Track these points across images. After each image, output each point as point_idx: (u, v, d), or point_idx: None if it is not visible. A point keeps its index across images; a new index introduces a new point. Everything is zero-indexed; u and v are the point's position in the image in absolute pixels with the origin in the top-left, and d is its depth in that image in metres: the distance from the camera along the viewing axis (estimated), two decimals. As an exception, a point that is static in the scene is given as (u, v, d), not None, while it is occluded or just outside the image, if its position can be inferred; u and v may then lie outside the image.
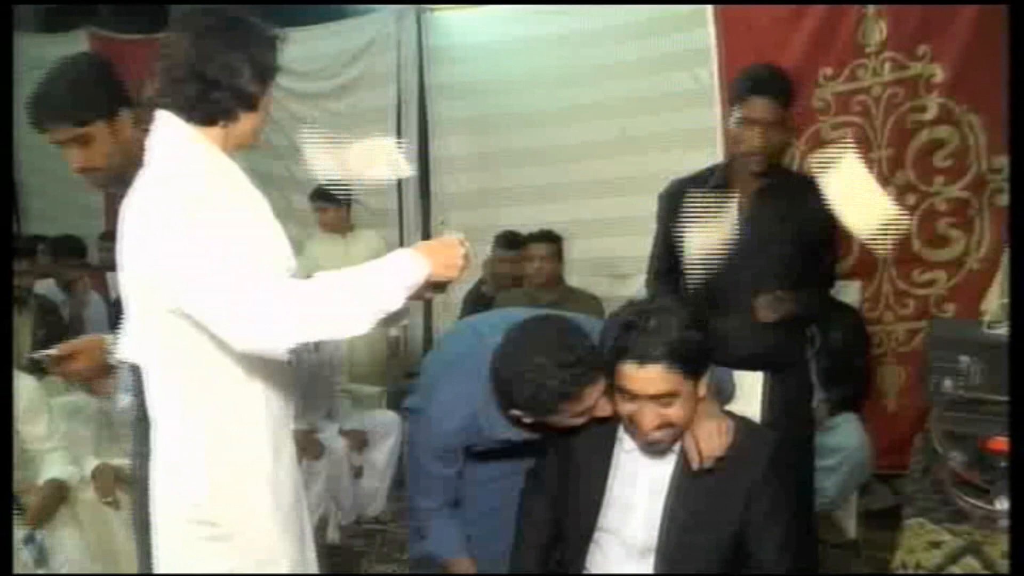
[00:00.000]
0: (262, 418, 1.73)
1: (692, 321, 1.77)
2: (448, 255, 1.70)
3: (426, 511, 2.23)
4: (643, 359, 1.74)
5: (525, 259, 4.30)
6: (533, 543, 2.05)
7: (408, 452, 2.33)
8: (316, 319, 1.55)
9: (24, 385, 2.87)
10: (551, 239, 4.27)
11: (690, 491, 1.85)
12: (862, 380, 3.92)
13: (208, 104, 1.68)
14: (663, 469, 1.88)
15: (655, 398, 1.76)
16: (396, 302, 1.62)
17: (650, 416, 1.77)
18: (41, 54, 6.27)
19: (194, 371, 1.68)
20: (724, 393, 2.09)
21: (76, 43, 6.22)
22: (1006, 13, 3.01)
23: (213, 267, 1.53)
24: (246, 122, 1.73)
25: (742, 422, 1.92)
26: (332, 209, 4.71)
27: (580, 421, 1.93)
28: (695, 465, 1.84)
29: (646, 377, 1.75)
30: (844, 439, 3.59)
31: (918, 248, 3.97)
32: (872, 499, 3.89)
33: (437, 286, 1.75)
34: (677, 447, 1.88)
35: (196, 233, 1.55)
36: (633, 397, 1.78)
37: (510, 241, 4.55)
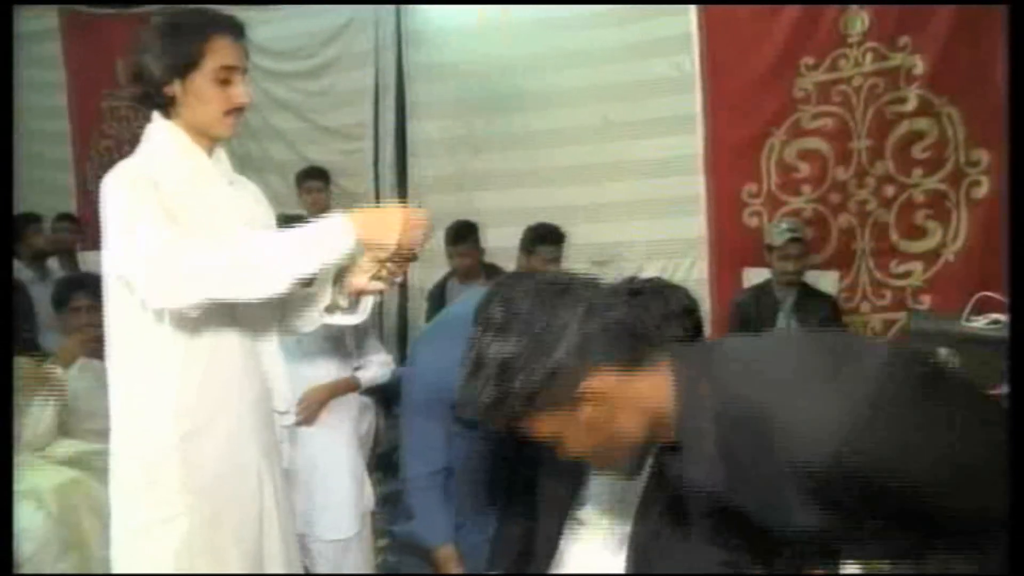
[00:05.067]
0: (183, 387, 1.77)
1: (679, 315, 1.74)
2: (386, 221, 1.69)
3: (416, 481, 2.19)
4: None
5: (538, 260, 4.13)
6: (515, 532, 2.03)
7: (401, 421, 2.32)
8: (221, 277, 1.60)
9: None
10: (560, 240, 4.18)
11: (664, 488, 1.81)
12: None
13: (144, 99, 1.80)
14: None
15: None
16: (311, 267, 1.65)
17: None
18: (12, 29, 6.17)
19: (129, 333, 1.77)
20: None
21: (45, 17, 6.11)
22: (1005, 13, 3.02)
23: (140, 231, 1.62)
24: (193, 111, 1.78)
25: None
26: (316, 190, 4.78)
27: None
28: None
29: None
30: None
31: (895, 239, 3.99)
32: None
33: (396, 259, 1.75)
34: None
35: (132, 207, 1.65)
36: None
37: (459, 234, 4.45)
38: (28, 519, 2.71)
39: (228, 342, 1.79)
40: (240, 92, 1.78)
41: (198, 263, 1.59)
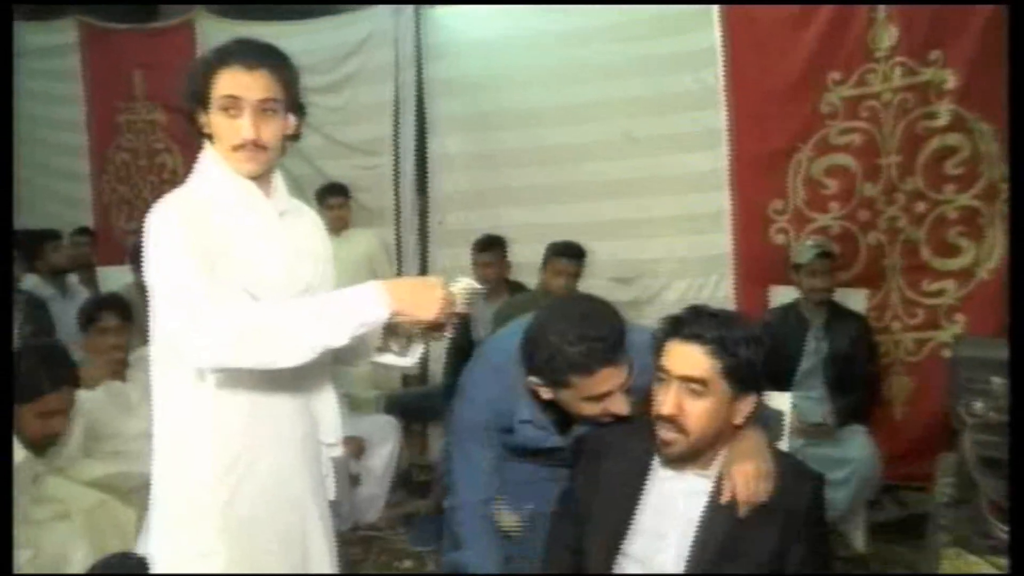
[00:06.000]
0: (221, 422, 1.74)
1: (757, 342, 1.75)
2: (424, 296, 1.67)
3: (466, 509, 2.15)
4: (687, 337, 1.75)
5: (551, 272, 4.13)
6: (561, 566, 1.98)
7: (447, 451, 2.30)
8: (251, 346, 1.59)
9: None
10: (579, 255, 4.14)
11: (722, 524, 1.78)
12: (869, 389, 3.86)
13: (192, 129, 1.79)
14: (698, 500, 1.81)
15: (685, 380, 1.74)
16: (340, 340, 1.61)
17: (671, 398, 1.75)
18: (30, 42, 6.19)
19: (165, 364, 1.75)
20: (770, 431, 2.03)
21: (64, 31, 6.10)
22: (1006, 14, 2.97)
23: (178, 282, 1.61)
24: (218, 144, 1.75)
25: (785, 459, 1.86)
26: (337, 207, 4.77)
27: (594, 411, 1.92)
28: (724, 499, 1.78)
29: (684, 353, 1.75)
30: (853, 451, 3.53)
31: (927, 257, 3.93)
32: (877, 511, 3.83)
33: (432, 327, 1.75)
34: (713, 475, 1.81)
35: (176, 250, 1.63)
36: (667, 379, 1.76)
37: (485, 244, 4.50)
38: (62, 542, 2.67)
39: (275, 379, 1.74)
40: (243, 126, 1.70)
41: (230, 332, 1.58)
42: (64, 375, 2.65)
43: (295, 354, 1.59)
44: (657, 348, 1.80)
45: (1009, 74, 2.11)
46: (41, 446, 2.65)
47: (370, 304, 1.62)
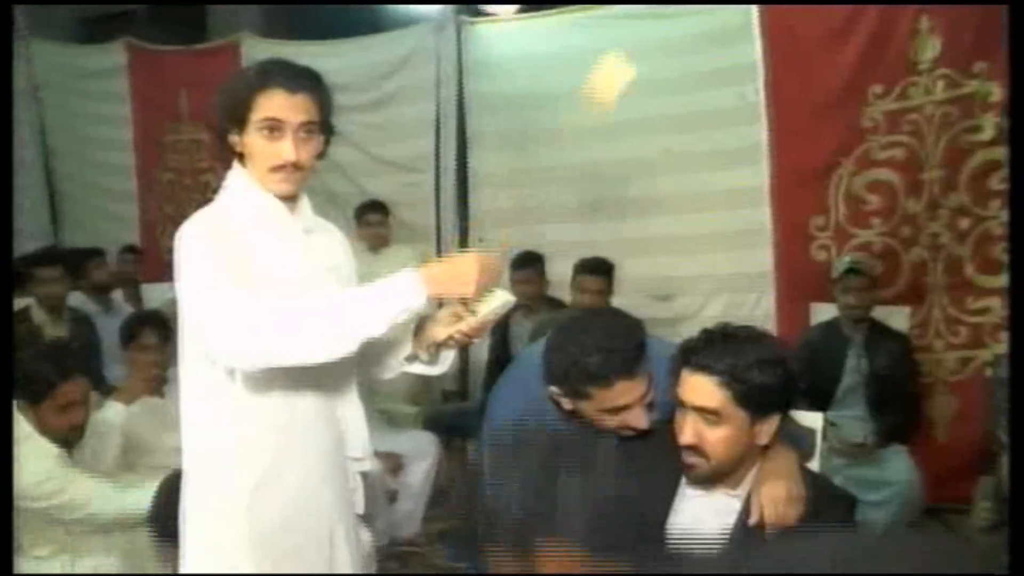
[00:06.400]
0: (248, 434, 1.75)
1: (773, 363, 1.71)
2: (459, 272, 1.69)
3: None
4: (697, 368, 1.73)
5: (578, 289, 4.12)
6: None
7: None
8: (289, 344, 1.62)
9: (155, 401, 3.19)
10: (605, 271, 4.10)
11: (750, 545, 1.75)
12: (910, 409, 3.78)
13: (221, 148, 1.82)
14: (727, 519, 1.79)
15: (699, 411, 1.73)
16: (380, 329, 1.63)
17: (689, 427, 1.74)
18: (82, 64, 6.36)
19: (199, 379, 1.77)
20: (802, 451, 2.00)
21: (115, 54, 6.25)
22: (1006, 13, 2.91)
23: (213, 292, 1.64)
24: (249, 165, 1.77)
25: (816, 480, 1.84)
26: (377, 223, 4.83)
27: (612, 423, 1.91)
28: (752, 521, 1.76)
29: (695, 384, 1.73)
30: (894, 473, 3.46)
31: (971, 274, 3.85)
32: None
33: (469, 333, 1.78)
34: (743, 494, 1.79)
35: (207, 261, 1.66)
36: (683, 407, 1.76)
37: (522, 261, 4.46)
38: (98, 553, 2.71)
39: (301, 391, 1.76)
40: (285, 148, 1.72)
41: (266, 330, 1.60)
42: (72, 365, 2.67)
43: (337, 347, 1.62)
44: (674, 376, 1.80)
45: (1010, 74, 2.06)
46: (68, 440, 2.68)
47: (407, 290, 1.64)
